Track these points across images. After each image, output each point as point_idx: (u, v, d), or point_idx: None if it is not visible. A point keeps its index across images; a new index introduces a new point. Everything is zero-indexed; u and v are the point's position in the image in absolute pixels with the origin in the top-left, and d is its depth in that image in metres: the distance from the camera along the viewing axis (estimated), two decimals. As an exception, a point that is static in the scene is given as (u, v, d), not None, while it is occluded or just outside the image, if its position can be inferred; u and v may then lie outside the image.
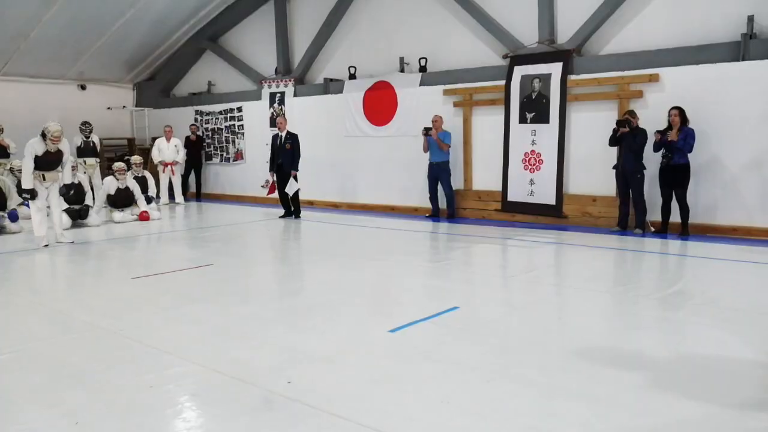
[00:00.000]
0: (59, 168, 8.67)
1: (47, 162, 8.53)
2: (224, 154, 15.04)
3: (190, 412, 3.38)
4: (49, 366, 4.06)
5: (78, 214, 10.49)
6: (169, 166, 13.76)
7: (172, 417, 3.31)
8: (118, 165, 11.33)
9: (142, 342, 4.49)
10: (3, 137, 12.24)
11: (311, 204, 12.78)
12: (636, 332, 4.62)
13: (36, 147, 8.42)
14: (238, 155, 14.74)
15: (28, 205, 11.30)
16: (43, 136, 8.40)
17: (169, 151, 13.80)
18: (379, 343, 4.39)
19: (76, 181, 10.73)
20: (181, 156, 13.97)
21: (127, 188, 11.22)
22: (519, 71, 10.08)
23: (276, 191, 11.39)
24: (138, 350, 4.34)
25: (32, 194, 8.47)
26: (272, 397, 3.50)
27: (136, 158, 12.28)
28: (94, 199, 11.37)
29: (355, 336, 4.55)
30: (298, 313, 5.20)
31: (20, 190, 8.65)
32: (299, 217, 11.26)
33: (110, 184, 11.18)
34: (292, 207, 11.34)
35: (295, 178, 11.09)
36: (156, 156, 13.85)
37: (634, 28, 9.26)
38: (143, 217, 11.24)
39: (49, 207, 8.77)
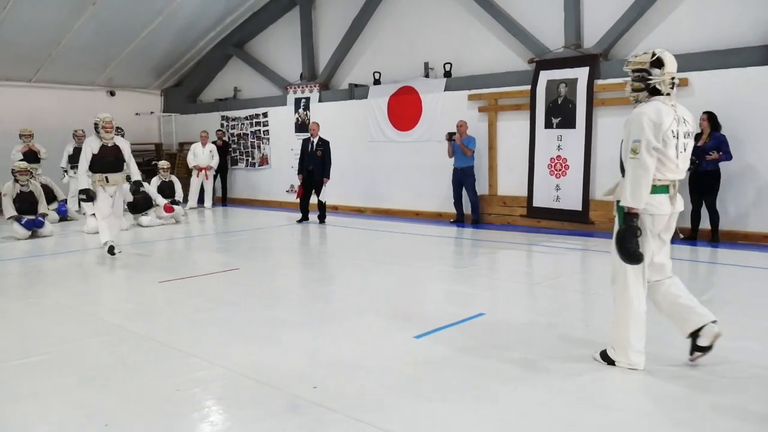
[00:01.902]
0: (123, 170, 8.11)
1: (107, 161, 7.94)
2: (250, 159, 15.18)
3: (217, 415, 3.41)
4: (79, 368, 4.13)
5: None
6: (203, 171, 13.91)
7: (199, 420, 3.34)
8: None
9: (169, 345, 4.54)
10: (33, 142, 12.49)
11: (336, 209, 12.82)
12: (665, 341, 4.55)
13: (92, 144, 7.93)
14: (264, 160, 14.86)
15: (64, 210, 11.46)
16: (97, 129, 8.00)
17: (204, 156, 13.94)
18: (404, 349, 4.38)
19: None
20: (215, 161, 14.11)
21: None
22: (545, 76, 10.02)
23: (301, 196, 11.39)
24: (165, 353, 4.39)
25: (88, 195, 7.88)
26: (298, 401, 3.52)
27: (163, 163, 12.44)
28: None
29: (381, 341, 4.55)
30: (324, 318, 5.22)
31: (78, 192, 8.08)
32: (324, 222, 11.30)
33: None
34: (318, 212, 11.34)
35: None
36: (191, 160, 13.99)
37: (661, 32, 9.16)
38: (168, 209, 11.41)
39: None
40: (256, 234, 10.35)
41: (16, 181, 10.21)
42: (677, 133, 3.64)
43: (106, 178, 7.96)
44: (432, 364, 4.13)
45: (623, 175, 3.76)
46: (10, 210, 10.05)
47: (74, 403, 3.57)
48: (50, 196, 11.80)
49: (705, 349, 3.85)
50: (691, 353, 3.90)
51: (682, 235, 8.68)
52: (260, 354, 4.31)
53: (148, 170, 13.41)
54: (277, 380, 3.81)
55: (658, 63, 3.69)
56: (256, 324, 5.05)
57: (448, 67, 11.30)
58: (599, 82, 9.54)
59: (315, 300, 5.98)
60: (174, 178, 12.47)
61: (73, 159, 12.78)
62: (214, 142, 14.53)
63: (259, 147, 14.92)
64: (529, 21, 10.38)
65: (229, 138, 15.44)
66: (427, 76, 11.67)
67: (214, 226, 11.66)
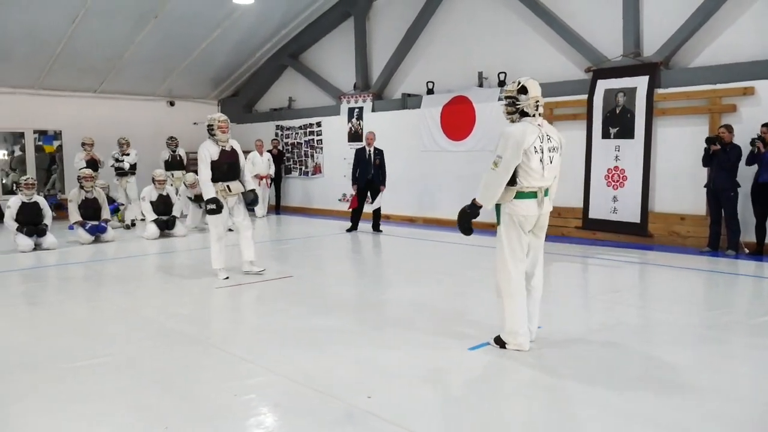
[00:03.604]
0: (240, 176, 7.27)
1: (226, 167, 7.06)
2: (303, 167, 15.39)
3: (273, 422, 3.46)
4: (140, 370, 4.26)
5: (165, 225, 10.98)
6: (263, 179, 14.14)
7: (255, 426, 3.39)
8: (159, 173, 11.38)
9: (225, 350, 4.64)
10: (94, 152, 12.96)
11: (387, 218, 12.86)
12: (727, 361, 4.39)
13: (210, 148, 7.01)
14: (317, 169, 15.04)
15: (104, 228, 11.78)
16: (211, 132, 7.06)
17: (263, 164, 14.17)
18: (457, 360, 4.36)
19: (164, 193, 11.26)
20: (272, 169, 14.34)
21: (167, 196, 11.37)
22: (602, 85, 9.84)
23: (356, 205, 11.40)
24: (222, 358, 4.48)
25: (218, 205, 6.95)
26: (352, 410, 3.53)
27: (190, 177, 11.95)
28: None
29: (434, 352, 4.53)
30: (376, 327, 5.24)
31: (205, 203, 7.05)
32: (379, 230, 11.32)
33: (150, 193, 11.22)
34: (373, 221, 11.35)
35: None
36: (250, 169, 14.17)
37: (726, 39, 8.88)
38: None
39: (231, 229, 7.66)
40: (308, 242, 10.47)
41: (82, 187, 10.61)
42: (541, 149, 4.32)
43: (228, 187, 7.09)
44: (486, 377, 4.09)
45: None
46: (75, 215, 10.46)
47: (136, 405, 3.68)
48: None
49: (501, 344, 4.56)
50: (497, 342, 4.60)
51: (747, 250, 8.37)
52: (314, 361, 4.35)
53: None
54: (331, 388, 3.84)
55: (523, 90, 4.39)
56: (310, 332, 5.10)
57: (502, 77, 11.22)
58: (660, 91, 9.31)
59: (368, 309, 6.00)
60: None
61: (169, 166, 13.38)
62: (269, 151, 14.78)
63: (312, 156, 15.12)
64: (586, 29, 10.23)
65: (283, 147, 15.70)
66: (481, 85, 11.62)
67: (268, 233, 11.85)
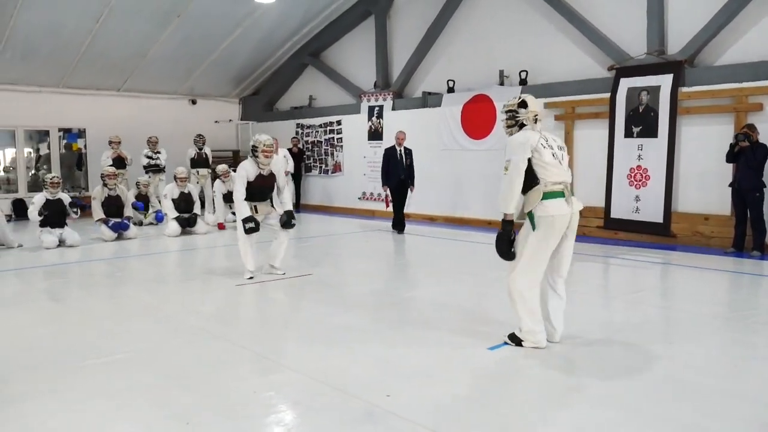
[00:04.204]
0: (270, 198, 7.37)
1: (259, 189, 7.15)
2: (323, 166, 15.43)
3: (293, 420, 3.46)
4: (161, 367, 4.29)
5: (187, 222, 11.07)
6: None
7: (275, 424, 3.40)
8: (181, 171, 11.46)
9: (245, 347, 4.66)
10: (121, 149, 13.15)
11: (408, 217, 12.84)
12: (753, 363, 4.32)
13: (248, 169, 7.07)
14: (337, 167, 15.07)
15: (127, 225, 11.86)
16: (254, 153, 7.08)
17: (280, 161, 14.09)
18: (477, 360, 4.34)
19: (186, 191, 11.35)
20: (290, 165, 14.17)
21: (189, 194, 11.46)
22: (625, 83, 9.73)
23: (391, 206, 11.16)
24: (242, 355, 4.50)
25: (256, 223, 6.98)
26: (372, 409, 3.53)
27: (221, 167, 12.09)
28: (203, 207, 11.95)
29: (454, 351, 4.52)
30: (396, 326, 5.23)
31: (242, 221, 6.97)
32: (402, 231, 11.19)
33: (171, 190, 11.33)
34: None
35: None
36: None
37: (753, 37, 8.73)
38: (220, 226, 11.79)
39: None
40: (329, 240, 10.50)
41: (105, 185, 10.74)
42: (548, 145, 4.44)
43: (255, 207, 7.18)
44: (506, 377, 4.06)
45: (524, 189, 4.47)
46: (98, 213, 10.59)
47: (156, 401, 3.71)
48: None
49: (517, 342, 4.60)
50: (511, 339, 4.64)
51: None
52: (333, 360, 4.36)
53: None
54: (351, 387, 3.84)
55: (523, 104, 4.58)
56: (329, 330, 5.11)
57: (523, 75, 11.15)
58: (684, 89, 9.18)
59: (387, 308, 6.00)
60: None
61: (194, 164, 13.52)
62: (289, 149, 14.78)
63: (332, 154, 15.15)
64: (609, 27, 10.12)
65: (303, 145, 15.75)
66: (502, 84, 11.55)
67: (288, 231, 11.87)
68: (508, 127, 4.65)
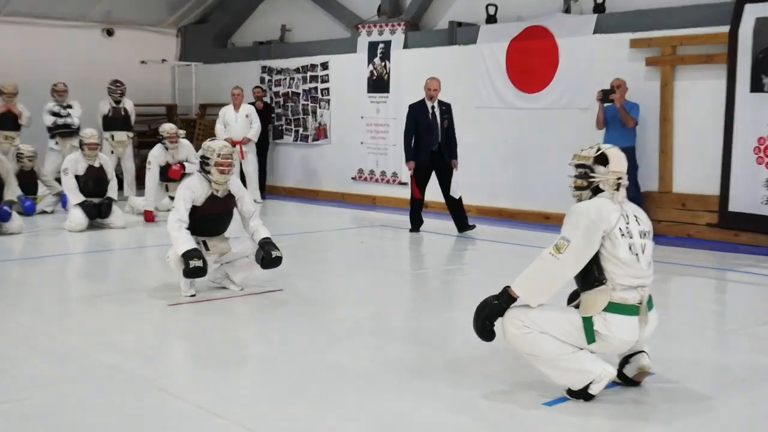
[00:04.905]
0: (226, 232, 7.44)
1: (210, 218, 7.16)
2: (300, 130, 15.41)
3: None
4: (62, 423, 4.24)
5: (98, 211, 10.99)
6: (237, 146, 13.95)
7: None
8: (89, 134, 11.32)
9: (185, 398, 4.62)
10: (15, 102, 13.05)
11: (425, 207, 12.83)
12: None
13: (195, 189, 7.04)
14: (321, 132, 15.04)
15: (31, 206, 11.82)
16: (205, 167, 7.08)
17: (238, 124, 14.06)
18: (530, 420, 4.32)
19: (96, 164, 11.29)
20: (254, 130, 14.15)
21: (101, 168, 11.41)
22: (752, 12, 9.68)
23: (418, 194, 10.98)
24: (180, 410, 4.46)
25: (204, 263, 6.80)
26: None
27: (168, 127, 12.06)
28: (122, 189, 11.94)
29: (490, 408, 4.50)
30: (408, 369, 5.19)
31: (182, 257, 6.76)
32: (469, 228, 10.92)
33: (75, 164, 11.19)
34: (452, 215, 11.03)
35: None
36: (221, 132, 14.00)
37: None
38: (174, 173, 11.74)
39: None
40: (307, 240, 10.48)
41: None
42: (628, 232, 4.46)
43: (205, 243, 7.16)
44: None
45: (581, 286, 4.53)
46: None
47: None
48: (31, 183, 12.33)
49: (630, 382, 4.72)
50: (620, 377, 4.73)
51: None
52: (315, 418, 4.33)
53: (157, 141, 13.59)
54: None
55: (602, 159, 4.61)
56: (309, 373, 5.08)
57: (600, -2, 11.13)
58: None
59: (394, 341, 5.96)
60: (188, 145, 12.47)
61: (108, 124, 13.54)
62: (252, 104, 14.76)
63: (314, 113, 15.12)
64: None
65: (271, 99, 15.72)
66: (567, 11, 11.53)
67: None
68: (577, 188, 4.72)
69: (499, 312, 4.52)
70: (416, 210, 11.07)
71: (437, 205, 12.79)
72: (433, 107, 10.84)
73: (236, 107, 14.08)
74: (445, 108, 10.91)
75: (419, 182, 10.85)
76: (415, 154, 10.78)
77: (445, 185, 10.85)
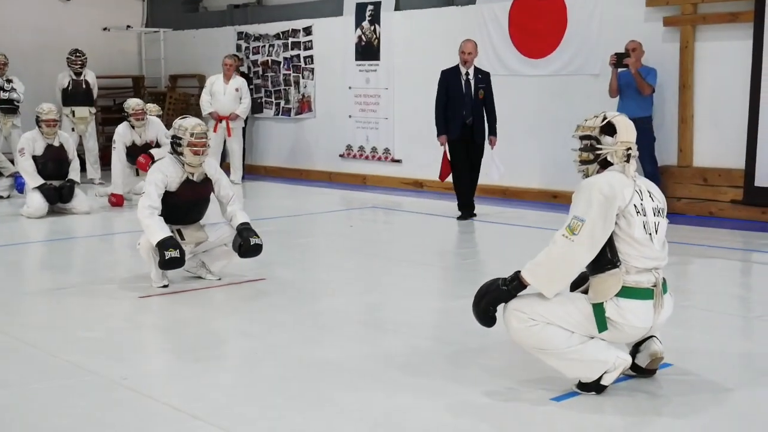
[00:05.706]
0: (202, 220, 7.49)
1: (185, 206, 7.20)
2: (282, 103, 15.39)
3: None
4: (20, 430, 4.28)
5: (59, 195, 11.00)
6: (223, 122, 14.04)
7: None
8: (47, 110, 11.28)
9: (155, 398, 4.64)
10: None
11: (420, 186, 12.86)
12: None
13: (168, 173, 7.07)
14: (304, 105, 15.03)
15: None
16: (177, 148, 7.09)
17: (227, 97, 14.11)
18: (537, 418, 4.36)
19: (56, 143, 11.28)
20: (244, 106, 14.25)
21: (61, 148, 11.42)
22: (780, -35, 9.72)
23: (452, 173, 10.78)
24: (151, 411, 4.49)
25: (181, 252, 6.80)
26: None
27: (133, 103, 11.98)
28: (84, 170, 11.93)
29: (498, 404, 4.53)
30: (402, 364, 5.22)
31: (156, 246, 6.78)
32: (471, 216, 10.78)
33: (32, 143, 11.20)
34: (467, 202, 10.77)
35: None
36: (206, 104, 14.14)
37: None
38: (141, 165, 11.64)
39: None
40: (291, 225, 10.48)
41: None
42: (642, 209, 4.46)
43: (179, 232, 7.17)
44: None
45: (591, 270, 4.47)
46: None
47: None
48: None
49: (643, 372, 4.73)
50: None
51: None
52: (300, 419, 4.36)
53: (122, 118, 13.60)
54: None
55: (609, 129, 4.63)
56: (294, 370, 5.11)
57: (612, -48, 11.13)
58: None
59: (387, 333, 6.01)
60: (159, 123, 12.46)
61: (68, 99, 13.64)
62: (243, 75, 14.71)
63: (297, 84, 15.11)
64: None
65: (249, 69, 15.68)
66: (576, -34, 11.52)
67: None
68: (582, 162, 4.73)
69: (506, 298, 4.50)
70: (461, 195, 10.75)
71: (434, 184, 12.85)
72: (467, 74, 10.70)
73: (226, 78, 14.10)
74: (482, 77, 10.75)
75: (454, 158, 10.62)
76: (447, 126, 10.58)
77: (475, 162, 10.71)
